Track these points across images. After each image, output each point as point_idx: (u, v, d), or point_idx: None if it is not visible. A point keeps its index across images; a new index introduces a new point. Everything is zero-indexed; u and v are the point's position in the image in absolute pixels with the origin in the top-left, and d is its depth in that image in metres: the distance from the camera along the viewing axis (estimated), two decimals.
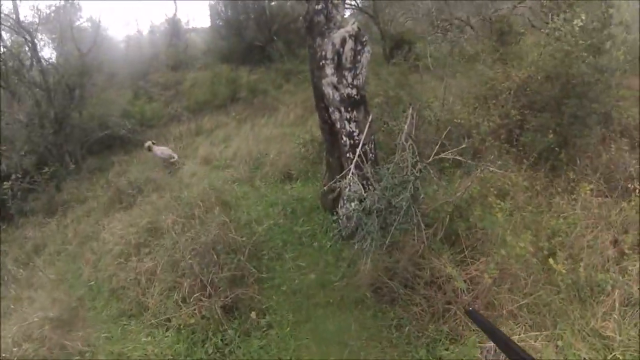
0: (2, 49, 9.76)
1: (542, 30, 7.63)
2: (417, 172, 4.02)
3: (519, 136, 5.95)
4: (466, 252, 4.07)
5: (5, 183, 7.90)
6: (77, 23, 13.76)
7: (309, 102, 10.69)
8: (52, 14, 12.41)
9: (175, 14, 19.83)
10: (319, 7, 5.01)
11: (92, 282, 5.27)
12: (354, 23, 4.94)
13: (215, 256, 4.40)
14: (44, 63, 10.42)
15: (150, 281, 4.68)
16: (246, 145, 8.76)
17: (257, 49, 14.81)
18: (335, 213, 5.17)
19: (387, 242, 3.89)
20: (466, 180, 5.00)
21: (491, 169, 4.64)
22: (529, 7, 11.65)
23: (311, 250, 4.98)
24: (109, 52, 14.86)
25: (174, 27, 19.34)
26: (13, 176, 8.08)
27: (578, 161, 5.43)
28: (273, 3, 15.91)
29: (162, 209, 6.03)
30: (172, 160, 8.56)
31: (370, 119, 5.00)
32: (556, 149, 5.44)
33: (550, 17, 8.26)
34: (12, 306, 5.05)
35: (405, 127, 4.70)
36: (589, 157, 5.52)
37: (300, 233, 5.25)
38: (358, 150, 4.65)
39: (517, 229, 4.24)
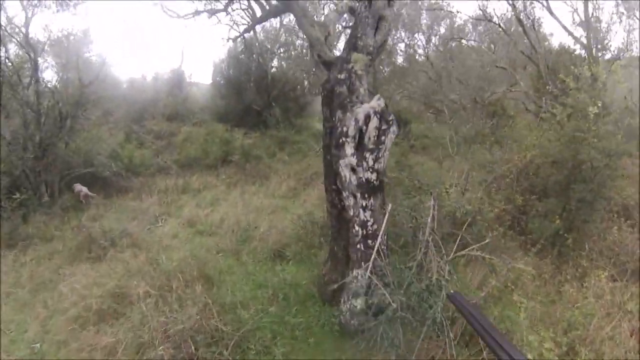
0: (2, 58, 9.36)
1: (539, 115, 7.84)
2: (447, 276, 3.60)
3: (525, 222, 6.01)
4: (484, 354, 3.70)
5: None
6: (86, 55, 13.77)
7: (303, 174, 10.75)
8: (63, 39, 12.33)
9: (180, 66, 20.11)
10: (342, 76, 4.74)
11: (38, 345, 4.51)
12: (379, 98, 4.59)
13: (193, 348, 3.76)
14: (42, 85, 10.05)
15: None
16: (234, 212, 8.33)
17: (254, 113, 14.93)
18: (335, 306, 4.63)
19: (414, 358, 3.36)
20: (482, 273, 4.91)
21: (517, 265, 4.50)
22: (523, 92, 12.25)
23: (305, 347, 4.34)
24: (110, 90, 14.79)
25: (177, 78, 19.51)
26: None
27: (586, 246, 5.49)
28: (274, 69, 16.31)
29: (134, 272, 5.44)
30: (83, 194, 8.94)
31: (389, 208, 4.59)
32: (564, 234, 5.47)
33: (544, 101, 8.63)
34: None
35: (429, 220, 4.32)
36: (594, 241, 5.63)
37: (293, 325, 4.59)
38: (377, 243, 4.22)
39: (532, 324, 4.15)
